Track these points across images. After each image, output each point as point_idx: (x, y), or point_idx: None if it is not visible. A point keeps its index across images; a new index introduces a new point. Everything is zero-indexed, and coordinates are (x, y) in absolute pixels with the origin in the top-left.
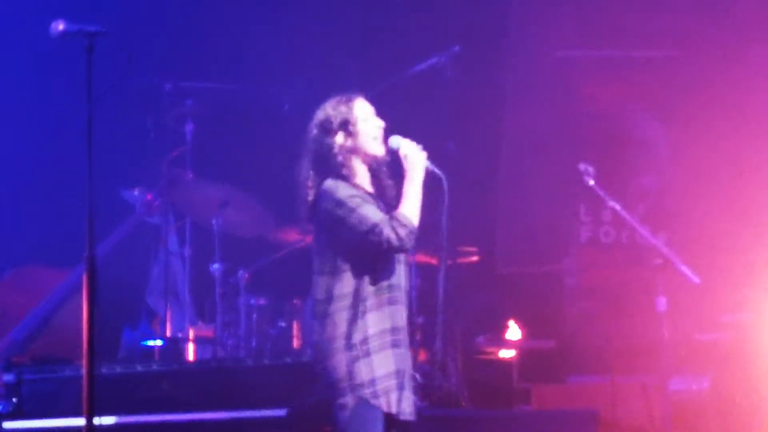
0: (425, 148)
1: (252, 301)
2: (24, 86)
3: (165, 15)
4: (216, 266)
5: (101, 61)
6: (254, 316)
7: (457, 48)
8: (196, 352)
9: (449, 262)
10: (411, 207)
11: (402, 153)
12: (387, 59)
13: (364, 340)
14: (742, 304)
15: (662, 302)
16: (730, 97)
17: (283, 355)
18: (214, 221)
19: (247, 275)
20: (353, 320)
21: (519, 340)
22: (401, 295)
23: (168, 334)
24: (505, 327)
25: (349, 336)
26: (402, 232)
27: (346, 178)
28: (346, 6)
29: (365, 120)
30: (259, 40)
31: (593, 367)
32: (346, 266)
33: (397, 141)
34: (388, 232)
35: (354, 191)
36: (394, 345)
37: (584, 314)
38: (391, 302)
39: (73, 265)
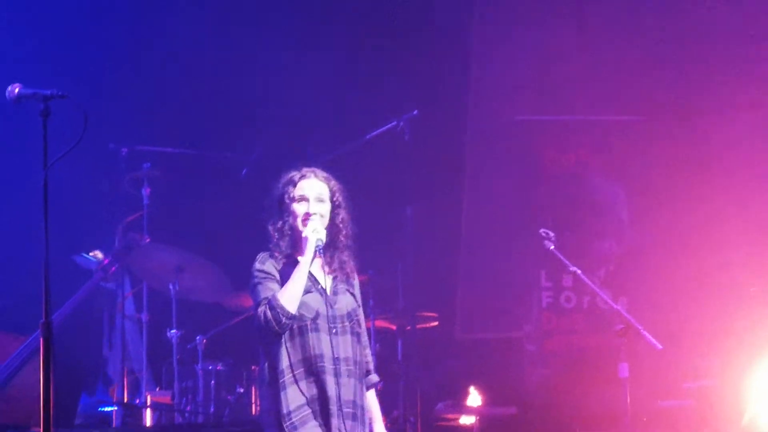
0: (383, 213)
1: (210, 367)
2: None
3: (122, 79)
4: (173, 332)
5: (57, 126)
6: (212, 381)
7: (415, 112)
8: (153, 418)
9: (408, 327)
10: (288, 291)
11: (303, 235)
12: (346, 123)
13: (288, 415)
14: (704, 371)
15: (624, 368)
16: (691, 161)
17: (241, 422)
18: (171, 286)
19: (205, 341)
20: (276, 395)
21: (480, 406)
22: (330, 366)
23: (125, 400)
24: (465, 393)
25: (276, 411)
26: (269, 314)
27: (273, 252)
28: (303, 70)
29: (298, 202)
30: (217, 105)
31: None
32: (264, 342)
33: (308, 226)
34: (261, 312)
35: (266, 267)
36: (320, 415)
37: (545, 380)
38: (309, 375)
39: (29, 330)
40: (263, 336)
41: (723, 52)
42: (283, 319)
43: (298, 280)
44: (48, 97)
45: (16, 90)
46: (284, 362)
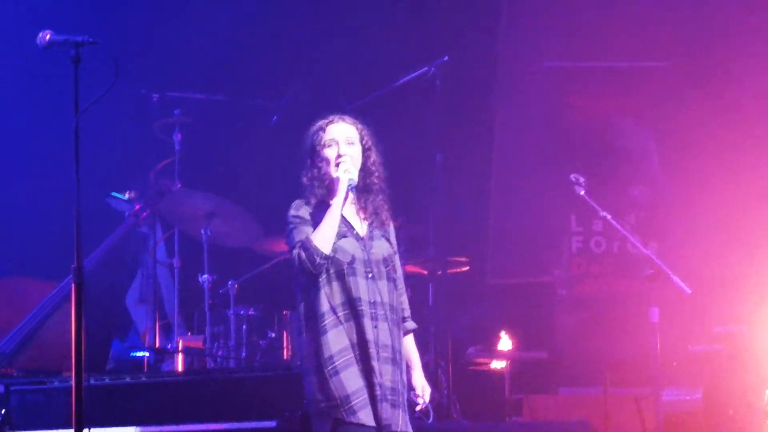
0: (413, 159)
1: (242, 312)
2: (11, 97)
3: (153, 26)
4: (205, 277)
5: (89, 72)
6: (244, 327)
7: (445, 58)
8: (185, 363)
9: (440, 272)
10: (321, 231)
11: (335, 176)
12: (376, 70)
13: (330, 359)
14: (734, 316)
15: (654, 313)
16: (720, 107)
17: (273, 367)
18: (202, 232)
19: (236, 286)
20: (317, 339)
21: (510, 351)
22: (368, 310)
23: (157, 345)
24: (496, 338)
25: (317, 355)
26: (304, 255)
27: (308, 199)
28: (334, 17)
29: (329, 147)
30: (247, 52)
31: (585, 379)
32: (303, 286)
33: (340, 167)
34: (295, 253)
35: (300, 212)
36: (360, 360)
37: (576, 325)
38: (349, 319)
39: (61, 276)
40: (300, 280)
41: None
42: (317, 260)
43: (330, 220)
44: (79, 44)
45: (47, 36)
46: (324, 306)
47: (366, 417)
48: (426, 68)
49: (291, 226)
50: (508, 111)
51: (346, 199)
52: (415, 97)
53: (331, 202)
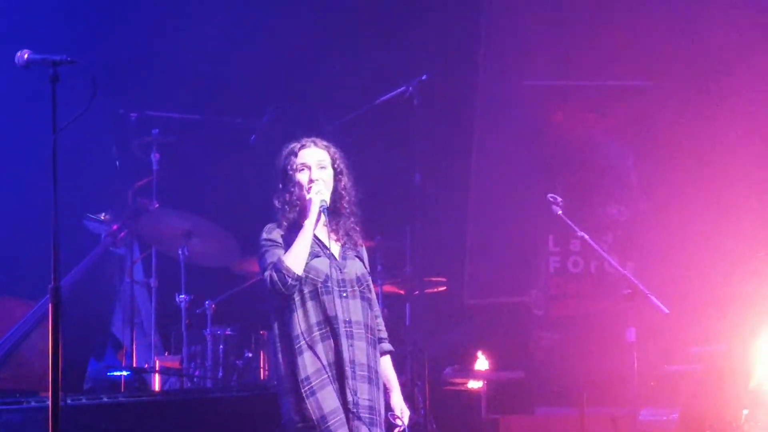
0: (391, 178)
1: (218, 332)
2: None
3: (132, 45)
4: (182, 297)
5: (67, 91)
6: (221, 346)
7: (424, 76)
8: (162, 383)
9: (416, 292)
10: (292, 252)
11: (307, 198)
12: (355, 89)
13: (306, 380)
14: (711, 336)
15: (631, 333)
16: (700, 126)
17: (250, 387)
18: (180, 251)
19: (213, 306)
20: (292, 361)
21: (487, 371)
22: (343, 329)
23: (134, 365)
24: (473, 358)
25: (293, 376)
26: (275, 276)
27: (279, 222)
28: (314, 35)
29: (300, 171)
30: (226, 71)
31: (562, 398)
32: (276, 309)
33: (311, 189)
34: (267, 275)
35: (272, 236)
36: (336, 380)
37: (553, 345)
38: (325, 338)
39: (38, 295)
40: (274, 302)
41: (733, 16)
42: (289, 281)
43: (302, 241)
44: (57, 63)
45: (26, 55)
46: (299, 327)
47: None
48: (404, 87)
49: (263, 249)
50: (487, 130)
51: (318, 220)
52: (394, 116)
53: (303, 223)
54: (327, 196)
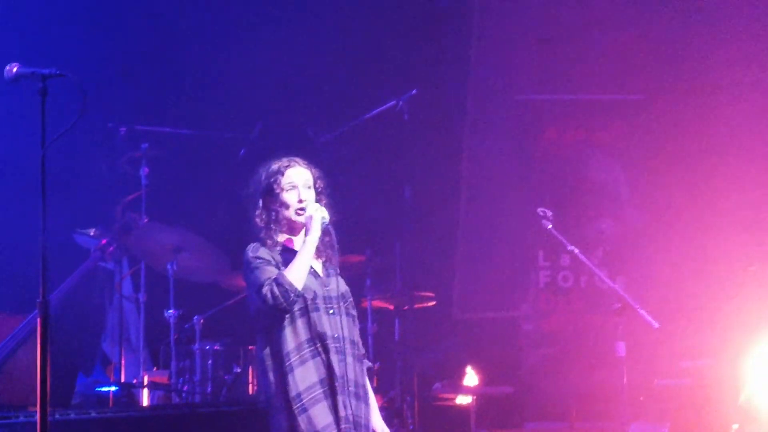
0: (381, 192)
1: (207, 347)
2: None
3: (120, 59)
4: (171, 312)
5: (56, 105)
6: (209, 361)
7: (414, 91)
8: (150, 398)
9: (406, 307)
10: (294, 268)
11: (306, 215)
12: (345, 103)
13: (297, 396)
14: (701, 350)
15: (621, 347)
16: (691, 140)
17: (238, 402)
18: (169, 266)
19: (202, 321)
20: (283, 379)
21: (476, 386)
22: (332, 345)
23: (122, 380)
24: (462, 373)
25: (284, 393)
26: (277, 291)
27: (264, 241)
28: (303, 51)
29: (288, 191)
30: (216, 86)
31: (552, 414)
32: (265, 327)
33: (306, 205)
34: (266, 291)
35: (260, 253)
36: (328, 396)
37: (542, 360)
38: (316, 355)
39: (26, 310)
40: (262, 321)
41: (724, 30)
42: (292, 296)
43: (304, 257)
44: (46, 76)
45: (15, 69)
46: (289, 345)
47: None
48: (394, 101)
49: (252, 266)
50: (476, 144)
51: (319, 237)
52: (384, 131)
53: (290, 245)
54: (326, 213)
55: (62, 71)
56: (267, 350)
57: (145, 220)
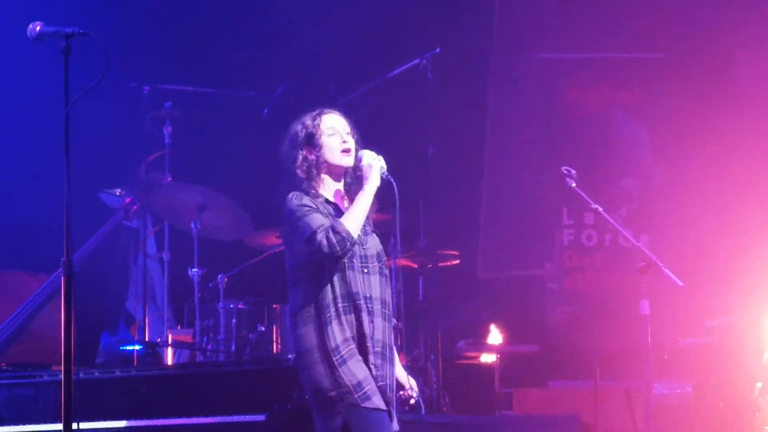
0: (405, 152)
1: (231, 306)
2: (0, 89)
3: (145, 18)
4: (195, 270)
5: (79, 64)
6: (233, 320)
7: (437, 50)
8: (174, 356)
9: (430, 266)
10: (352, 216)
11: (364, 163)
12: (368, 62)
13: (336, 349)
14: (725, 309)
15: (645, 305)
16: (714, 98)
17: (262, 360)
18: (192, 225)
19: (226, 279)
20: (321, 331)
21: (500, 344)
22: (364, 305)
23: (147, 339)
24: (486, 331)
25: (323, 346)
26: (334, 239)
27: (307, 191)
28: (327, 10)
29: (330, 135)
30: (239, 44)
31: (575, 372)
32: (306, 277)
33: (362, 153)
34: (320, 238)
35: (306, 201)
36: (360, 353)
37: (566, 318)
38: (348, 312)
39: (51, 269)
40: (310, 268)
41: None
42: (348, 244)
43: (363, 206)
44: (69, 35)
45: (38, 28)
46: (327, 297)
47: (380, 402)
48: (417, 60)
49: (299, 213)
50: (500, 103)
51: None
52: (407, 90)
53: (328, 196)
54: (384, 163)
55: (85, 30)
56: (304, 302)
57: (169, 179)
